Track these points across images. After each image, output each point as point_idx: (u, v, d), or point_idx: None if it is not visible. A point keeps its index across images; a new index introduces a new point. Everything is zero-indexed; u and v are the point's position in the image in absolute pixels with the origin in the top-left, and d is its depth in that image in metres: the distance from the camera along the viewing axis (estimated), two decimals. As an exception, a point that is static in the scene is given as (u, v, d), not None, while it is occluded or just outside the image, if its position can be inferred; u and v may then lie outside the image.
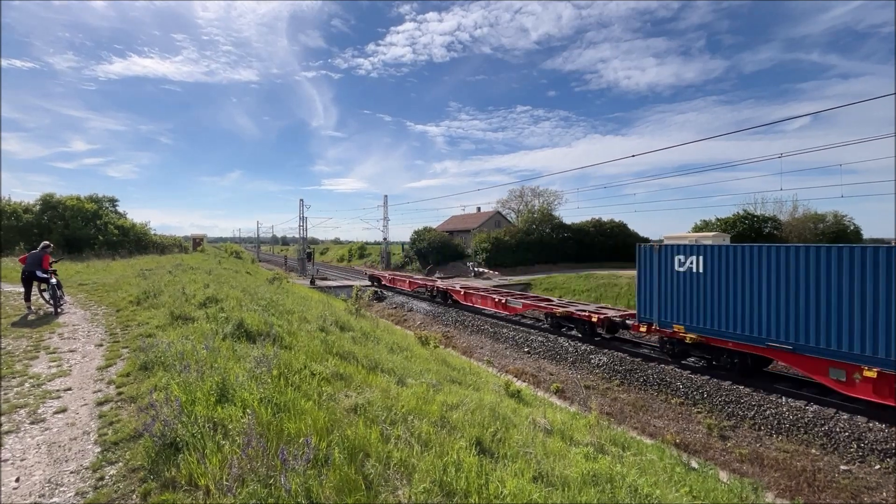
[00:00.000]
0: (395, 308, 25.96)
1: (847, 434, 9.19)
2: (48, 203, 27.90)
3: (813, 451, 9.12)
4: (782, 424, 9.97)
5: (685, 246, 12.95)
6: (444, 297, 25.71)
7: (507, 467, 3.82)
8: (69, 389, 5.07)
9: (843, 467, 8.52)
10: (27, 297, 9.80)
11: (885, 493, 7.72)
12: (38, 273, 9.83)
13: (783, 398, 10.77)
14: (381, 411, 4.24)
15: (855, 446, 8.91)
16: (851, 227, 43.67)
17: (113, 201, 33.06)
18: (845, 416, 9.67)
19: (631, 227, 46.49)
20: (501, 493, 3.17)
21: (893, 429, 9.00)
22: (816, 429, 9.55)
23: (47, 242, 10.63)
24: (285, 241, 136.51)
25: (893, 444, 8.60)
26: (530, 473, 3.81)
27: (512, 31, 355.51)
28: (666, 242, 29.93)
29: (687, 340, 12.62)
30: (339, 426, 3.67)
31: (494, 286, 32.34)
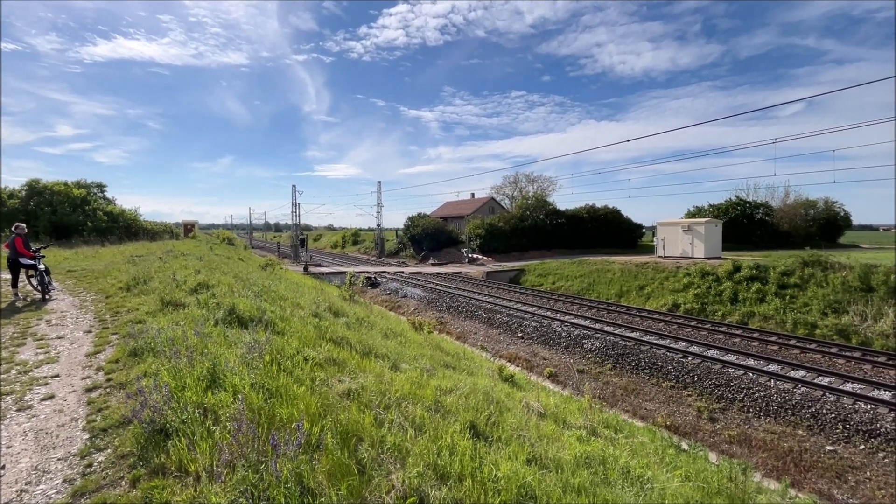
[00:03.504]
0: (389, 294, 25.94)
1: (833, 416, 9.38)
2: (34, 188, 27.31)
3: (800, 432, 9.31)
4: (770, 406, 10.16)
5: None
6: None
7: (501, 450, 3.82)
8: (57, 376, 4.99)
9: (828, 448, 8.71)
10: (14, 284, 9.64)
11: (868, 472, 7.92)
12: (24, 259, 9.63)
13: (772, 381, 10.95)
14: (375, 396, 4.22)
15: (841, 427, 9.10)
16: (842, 213, 44.14)
17: (101, 187, 32.43)
18: (832, 399, 9.87)
19: (624, 213, 46.57)
20: (495, 475, 3.16)
21: (878, 410, 9.19)
22: (804, 411, 9.74)
23: (22, 225, 10.12)
24: (278, 228, 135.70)
25: (878, 425, 8.79)
26: (524, 456, 3.82)
27: (506, 13, 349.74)
28: (658, 228, 30.19)
29: None
30: (331, 411, 3.63)
31: (488, 272, 32.40)
